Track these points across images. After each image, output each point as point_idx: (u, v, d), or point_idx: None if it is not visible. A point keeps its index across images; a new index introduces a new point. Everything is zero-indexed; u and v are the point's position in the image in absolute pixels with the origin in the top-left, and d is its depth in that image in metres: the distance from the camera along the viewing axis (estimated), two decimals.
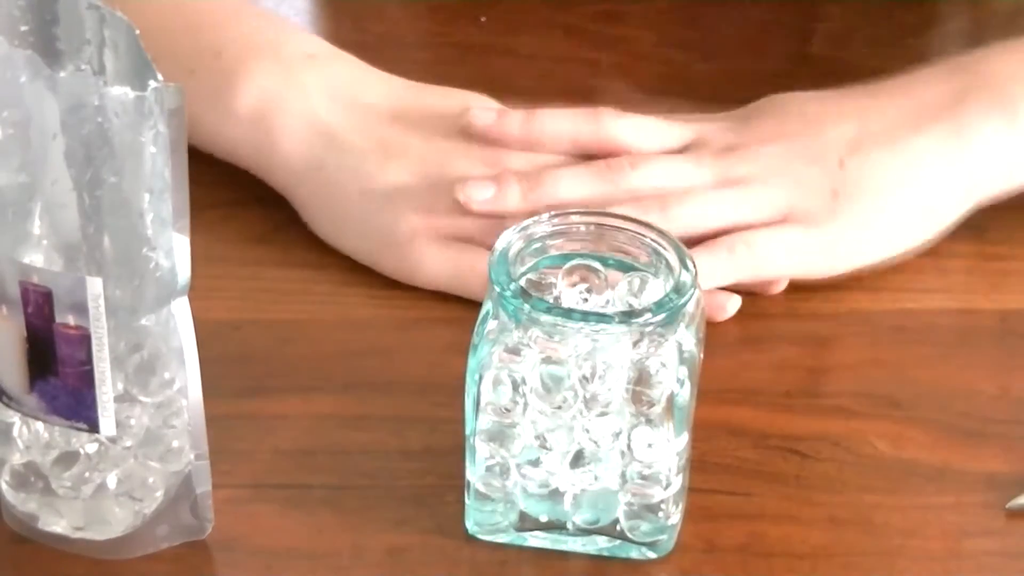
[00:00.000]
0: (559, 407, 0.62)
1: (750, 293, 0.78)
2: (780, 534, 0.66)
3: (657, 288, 0.63)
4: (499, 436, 0.63)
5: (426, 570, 0.65)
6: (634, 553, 0.65)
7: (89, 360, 0.60)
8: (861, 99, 0.81)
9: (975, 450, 0.70)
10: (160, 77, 0.57)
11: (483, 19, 1.01)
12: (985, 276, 0.81)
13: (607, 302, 0.64)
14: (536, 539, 0.65)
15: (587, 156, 0.78)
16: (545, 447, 0.63)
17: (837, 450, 0.70)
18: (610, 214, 0.65)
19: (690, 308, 0.62)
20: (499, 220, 0.74)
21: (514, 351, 0.62)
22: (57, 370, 0.61)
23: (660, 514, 0.64)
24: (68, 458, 0.64)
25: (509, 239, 0.64)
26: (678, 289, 0.62)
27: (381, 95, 0.81)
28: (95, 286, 0.59)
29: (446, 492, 0.67)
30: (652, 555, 0.65)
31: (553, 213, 0.65)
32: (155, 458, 0.64)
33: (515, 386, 0.62)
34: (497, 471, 0.64)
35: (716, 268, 0.75)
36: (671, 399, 0.62)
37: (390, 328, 0.77)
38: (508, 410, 0.63)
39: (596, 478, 0.64)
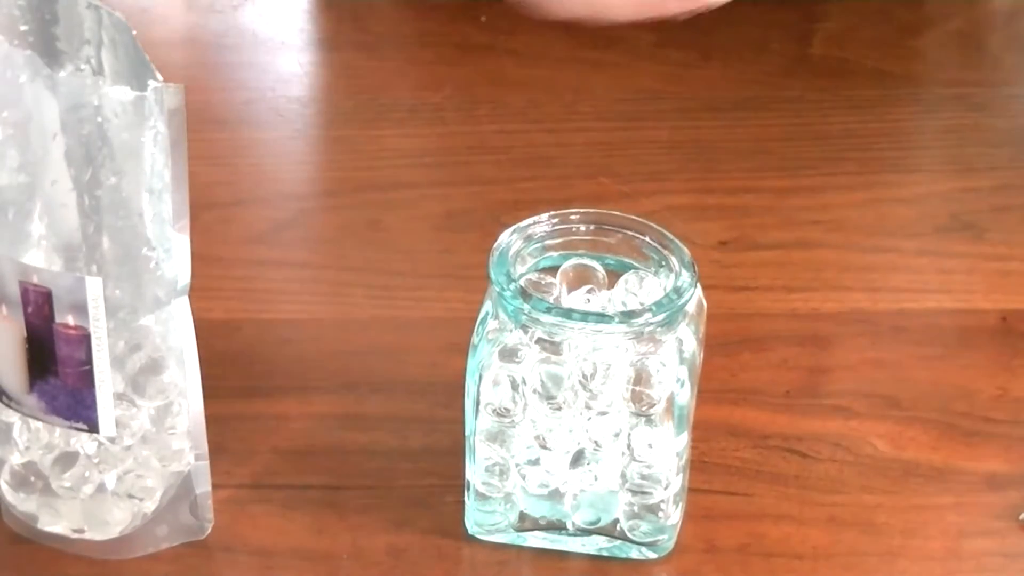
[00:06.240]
0: (559, 407, 0.62)
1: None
2: (780, 534, 0.66)
3: (655, 285, 0.63)
4: (499, 436, 0.63)
5: (426, 570, 0.65)
6: (634, 553, 0.65)
7: (89, 360, 0.60)
8: None
9: (975, 450, 0.70)
10: (160, 77, 0.57)
11: (483, 19, 1.01)
12: (985, 276, 0.81)
13: (608, 301, 0.64)
14: (536, 539, 0.65)
15: None
16: (545, 447, 0.63)
17: (837, 450, 0.70)
18: (610, 214, 0.65)
19: (690, 308, 0.62)
20: None
21: (514, 351, 0.62)
22: (57, 370, 0.61)
23: (660, 514, 0.64)
24: (68, 458, 0.64)
25: (509, 239, 0.64)
26: (678, 289, 0.62)
27: None
28: (95, 286, 0.59)
29: (446, 492, 0.67)
30: (652, 555, 0.65)
31: (553, 213, 0.65)
32: (155, 458, 0.64)
33: (515, 386, 0.62)
34: (497, 471, 0.64)
35: None
36: (671, 399, 0.62)
37: (390, 328, 0.77)
38: (508, 410, 0.63)
39: (596, 478, 0.64)
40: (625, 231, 0.65)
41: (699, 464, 0.68)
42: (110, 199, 0.59)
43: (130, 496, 0.64)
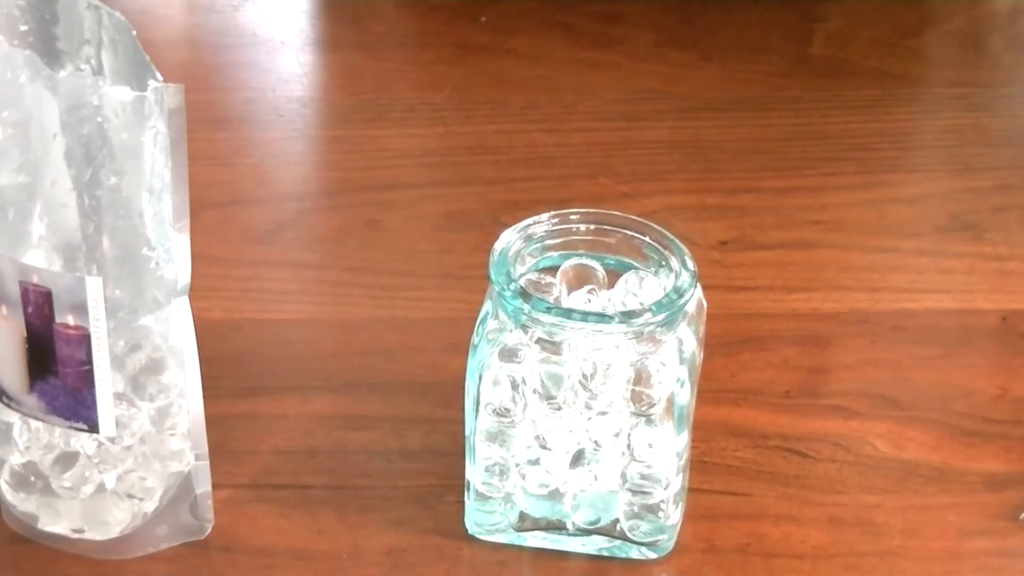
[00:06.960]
0: (559, 407, 0.62)
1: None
2: (780, 534, 0.66)
3: (655, 285, 0.63)
4: (499, 436, 0.63)
5: (426, 570, 0.65)
6: (634, 553, 0.65)
7: (89, 360, 0.60)
8: None
9: (975, 450, 0.70)
10: (160, 77, 0.57)
11: (483, 19, 1.01)
12: (985, 276, 0.81)
13: (608, 301, 0.64)
14: (536, 539, 0.65)
15: None
16: (545, 447, 0.63)
17: (837, 450, 0.70)
18: (610, 214, 0.65)
19: (690, 308, 0.62)
20: None
21: (514, 351, 0.62)
22: (57, 370, 0.61)
23: (660, 514, 0.64)
24: (68, 458, 0.64)
25: (509, 239, 0.64)
26: (678, 289, 0.62)
27: None
28: (95, 286, 0.59)
29: (446, 492, 0.67)
30: (652, 555, 0.65)
31: (553, 213, 0.65)
32: (155, 458, 0.64)
33: (515, 386, 0.62)
34: (497, 471, 0.64)
35: None
36: (671, 399, 0.62)
37: (390, 328, 0.77)
38: (508, 410, 0.63)
39: (596, 478, 0.64)
40: (625, 231, 0.65)
41: (699, 464, 0.68)
42: (110, 199, 0.59)
43: (130, 496, 0.64)
